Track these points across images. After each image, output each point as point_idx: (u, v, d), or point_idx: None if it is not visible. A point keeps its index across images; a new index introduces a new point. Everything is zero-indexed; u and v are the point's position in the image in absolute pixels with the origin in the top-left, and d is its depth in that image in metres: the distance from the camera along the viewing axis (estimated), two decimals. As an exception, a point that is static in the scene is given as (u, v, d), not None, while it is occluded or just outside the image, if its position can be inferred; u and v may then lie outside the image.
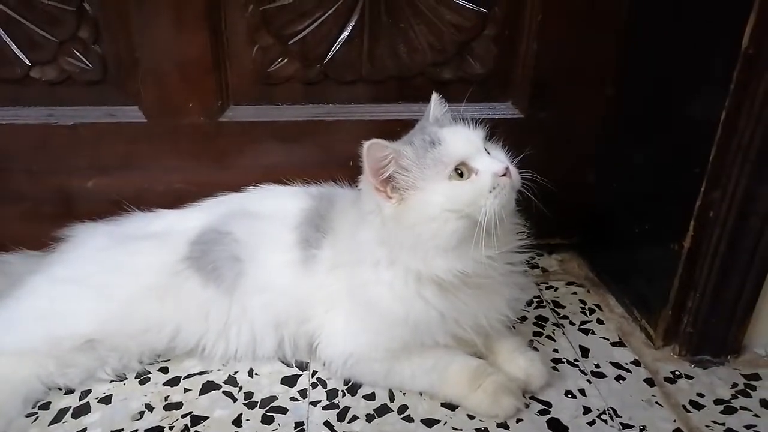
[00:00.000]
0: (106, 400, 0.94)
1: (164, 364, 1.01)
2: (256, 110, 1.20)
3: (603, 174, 1.26)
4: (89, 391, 0.95)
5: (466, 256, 0.85)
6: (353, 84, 1.19)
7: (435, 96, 0.94)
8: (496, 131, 1.22)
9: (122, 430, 0.88)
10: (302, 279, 0.96)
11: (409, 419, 0.90)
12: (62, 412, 0.91)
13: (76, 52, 1.11)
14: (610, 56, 1.18)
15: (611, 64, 1.19)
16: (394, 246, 0.87)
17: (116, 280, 0.97)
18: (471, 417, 0.90)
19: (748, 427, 0.90)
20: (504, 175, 0.83)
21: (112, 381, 0.97)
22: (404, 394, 0.95)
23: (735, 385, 0.98)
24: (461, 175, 0.84)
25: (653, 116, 1.09)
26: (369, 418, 0.91)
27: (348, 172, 1.19)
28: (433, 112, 0.93)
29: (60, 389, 0.95)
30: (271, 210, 1.03)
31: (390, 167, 0.83)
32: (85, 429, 0.88)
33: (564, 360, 1.04)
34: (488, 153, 0.87)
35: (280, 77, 1.16)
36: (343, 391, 0.96)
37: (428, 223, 0.83)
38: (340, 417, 0.91)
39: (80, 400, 0.94)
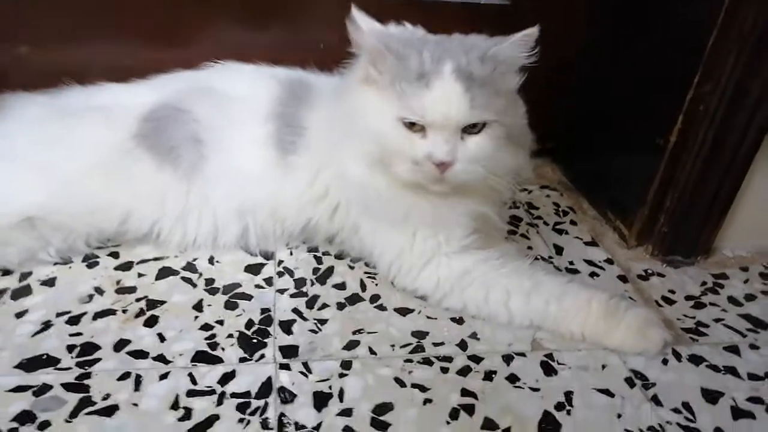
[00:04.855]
0: (49, 282, 0.85)
1: (114, 249, 0.93)
2: (216, -23, 1.06)
3: (585, 73, 1.21)
4: (30, 273, 0.86)
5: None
6: (327, -45, 1.07)
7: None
8: (483, 19, 1.15)
9: (69, 312, 0.80)
10: (279, 178, 0.89)
11: (382, 308, 0.86)
12: (-1, 293, 0.83)
13: None
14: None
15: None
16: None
17: (54, 154, 0.86)
18: (447, 308, 0.87)
19: (716, 320, 0.90)
20: (438, 166, 0.74)
21: (56, 264, 0.88)
22: (376, 284, 0.91)
23: (704, 283, 0.99)
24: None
25: (648, 5, 1.04)
26: (340, 306, 0.86)
27: (318, 55, 1.09)
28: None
29: (-4, 270, 0.85)
30: (238, 92, 0.93)
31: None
32: (27, 310, 0.80)
33: (539, 257, 1.01)
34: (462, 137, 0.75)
35: (246, -61, 1.03)
36: (312, 280, 0.91)
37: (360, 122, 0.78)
38: (309, 305, 0.86)
39: (20, 281, 0.85)
